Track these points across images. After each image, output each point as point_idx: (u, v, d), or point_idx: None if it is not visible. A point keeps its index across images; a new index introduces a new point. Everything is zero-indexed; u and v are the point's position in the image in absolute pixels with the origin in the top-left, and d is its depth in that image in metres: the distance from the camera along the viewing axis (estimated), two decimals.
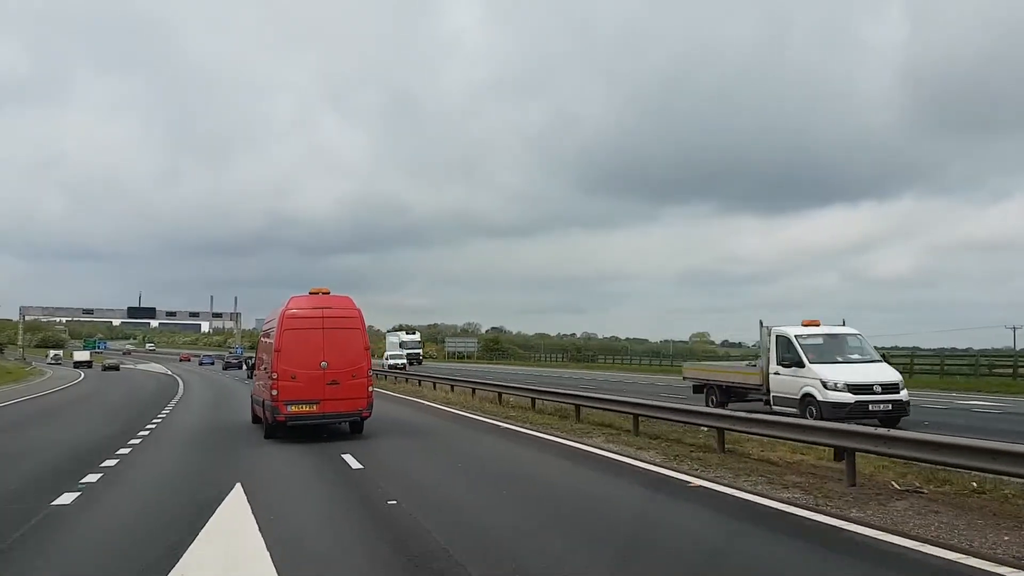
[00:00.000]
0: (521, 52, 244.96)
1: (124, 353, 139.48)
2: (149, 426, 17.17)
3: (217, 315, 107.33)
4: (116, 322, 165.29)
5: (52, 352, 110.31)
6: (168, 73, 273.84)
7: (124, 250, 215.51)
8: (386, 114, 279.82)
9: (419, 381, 33.43)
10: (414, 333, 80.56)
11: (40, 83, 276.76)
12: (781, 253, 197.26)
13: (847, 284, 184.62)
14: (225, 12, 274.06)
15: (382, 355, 63.34)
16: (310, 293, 14.47)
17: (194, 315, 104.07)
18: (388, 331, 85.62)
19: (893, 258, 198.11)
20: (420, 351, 74.87)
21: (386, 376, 40.20)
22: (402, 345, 72.21)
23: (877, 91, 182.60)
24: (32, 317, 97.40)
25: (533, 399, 20.05)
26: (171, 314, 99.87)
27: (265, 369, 14.83)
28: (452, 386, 27.78)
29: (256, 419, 16.53)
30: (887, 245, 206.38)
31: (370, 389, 14.21)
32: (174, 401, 26.80)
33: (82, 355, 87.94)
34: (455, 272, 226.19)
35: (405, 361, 61.02)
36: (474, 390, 24.99)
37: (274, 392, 13.57)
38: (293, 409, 13.55)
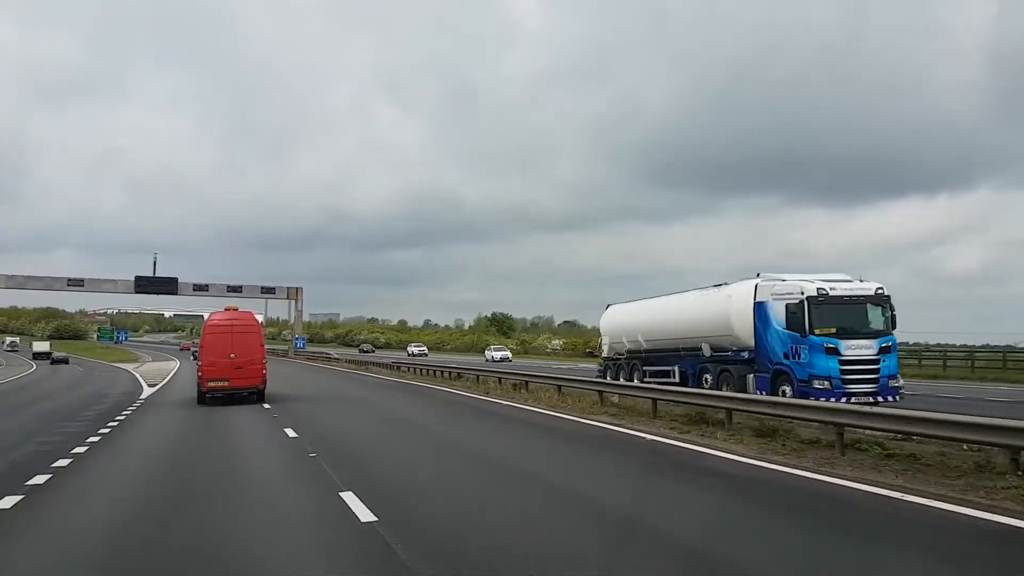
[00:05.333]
0: (584, 38, 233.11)
1: (116, 342, 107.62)
2: None
3: (268, 289, 79.62)
4: (168, 314, 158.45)
5: (8, 339, 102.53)
6: (225, 65, 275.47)
7: (179, 244, 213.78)
8: (444, 105, 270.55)
9: None
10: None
11: (100, 77, 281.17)
12: (846, 247, 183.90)
13: (913, 280, 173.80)
14: (282, 1, 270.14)
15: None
16: (224, 310, 22.27)
17: (233, 289, 75.43)
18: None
19: (964, 252, 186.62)
20: None
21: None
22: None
23: (959, 75, 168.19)
24: None
25: None
26: (201, 288, 73.76)
27: (197, 359, 22.74)
28: None
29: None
30: (959, 239, 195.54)
31: (264, 372, 21.28)
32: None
33: (41, 345, 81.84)
34: (507, 266, 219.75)
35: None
36: None
37: (199, 374, 20.97)
38: (212, 384, 20.28)
